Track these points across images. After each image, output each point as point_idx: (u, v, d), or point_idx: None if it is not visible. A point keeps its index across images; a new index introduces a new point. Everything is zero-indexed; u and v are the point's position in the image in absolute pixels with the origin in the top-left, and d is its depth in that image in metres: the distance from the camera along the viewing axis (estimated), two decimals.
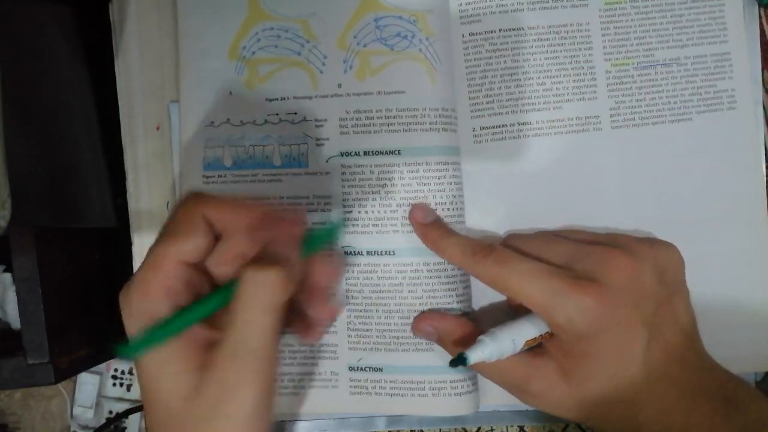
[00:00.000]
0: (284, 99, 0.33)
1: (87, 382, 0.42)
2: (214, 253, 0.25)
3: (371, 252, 0.32)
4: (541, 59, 0.33)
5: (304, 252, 0.27)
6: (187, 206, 0.25)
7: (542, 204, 0.33)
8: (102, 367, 0.42)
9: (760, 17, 0.36)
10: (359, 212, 0.32)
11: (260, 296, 0.23)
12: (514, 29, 0.33)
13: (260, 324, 0.24)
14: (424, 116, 0.32)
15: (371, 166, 0.32)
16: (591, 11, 0.34)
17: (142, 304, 0.24)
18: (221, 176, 0.33)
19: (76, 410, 0.42)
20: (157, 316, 0.24)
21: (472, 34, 0.33)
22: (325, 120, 0.32)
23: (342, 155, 0.32)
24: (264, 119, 0.33)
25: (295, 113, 0.33)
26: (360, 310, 0.32)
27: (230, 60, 0.33)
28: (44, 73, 0.31)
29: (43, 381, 0.30)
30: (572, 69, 0.33)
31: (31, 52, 0.30)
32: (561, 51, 0.33)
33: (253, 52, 0.33)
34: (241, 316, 0.23)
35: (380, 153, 0.32)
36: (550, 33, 0.33)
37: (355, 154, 0.32)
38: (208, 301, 0.25)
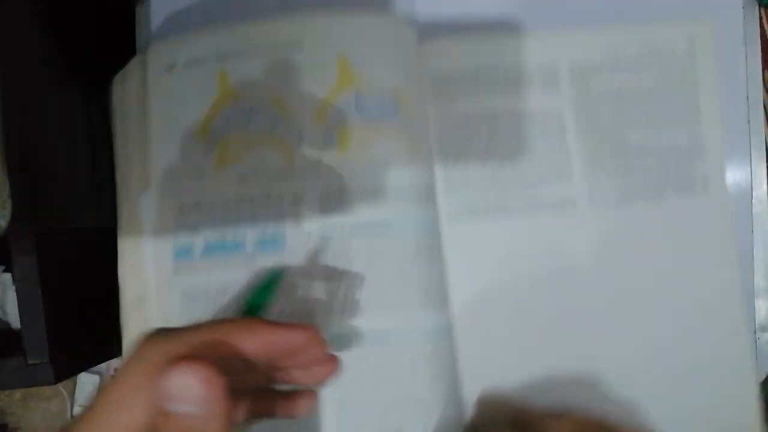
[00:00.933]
0: (257, 178, 0.31)
1: (87, 382, 0.42)
2: None
3: (362, 335, 0.30)
4: (514, 147, 0.33)
5: (248, 309, 0.26)
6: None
7: (517, 282, 0.33)
8: (102, 367, 0.42)
9: (760, 17, 0.36)
10: (345, 295, 0.30)
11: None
12: (486, 113, 0.33)
13: None
14: (407, 191, 0.31)
15: (357, 242, 0.30)
16: (564, 98, 0.33)
17: None
18: (192, 266, 0.31)
19: (76, 410, 0.42)
20: None
21: (445, 115, 0.33)
22: (303, 196, 0.30)
23: (323, 232, 0.30)
24: (236, 201, 0.31)
25: (269, 194, 0.31)
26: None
27: (200, 141, 0.31)
28: (45, 75, 0.31)
29: (43, 381, 0.30)
30: (547, 154, 0.33)
31: (30, 55, 0.30)
32: (535, 138, 0.33)
33: (224, 133, 0.31)
34: None
35: (366, 228, 0.30)
36: (522, 121, 0.33)
37: (339, 233, 0.30)
38: None
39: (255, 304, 0.27)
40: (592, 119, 0.34)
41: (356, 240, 0.30)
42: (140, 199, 0.32)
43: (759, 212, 0.36)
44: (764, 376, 0.35)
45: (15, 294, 0.30)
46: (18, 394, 0.42)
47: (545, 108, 0.33)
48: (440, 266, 0.32)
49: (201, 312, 0.31)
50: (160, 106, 0.32)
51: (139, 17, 0.35)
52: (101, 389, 0.21)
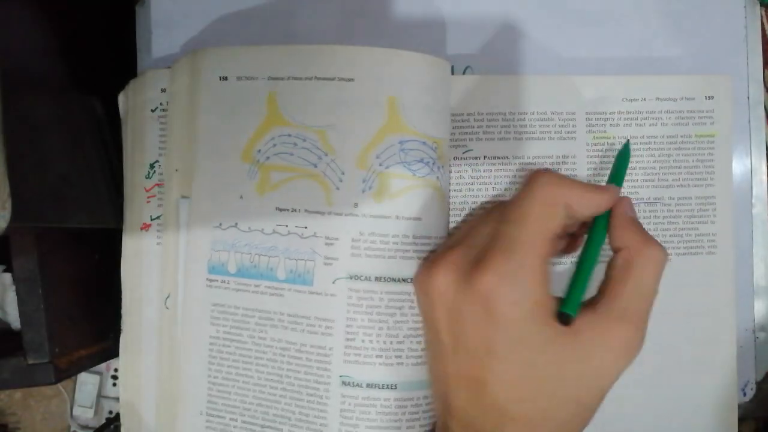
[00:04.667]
0: (295, 210, 0.31)
1: (87, 382, 0.42)
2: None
3: (371, 385, 0.30)
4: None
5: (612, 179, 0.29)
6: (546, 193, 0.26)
7: None
8: (102, 367, 0.42)
9: (761, 17, 0.36)
10: (363, 341, 0.30)
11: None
12: (498, 157, 0.33)
13: None
14: (437, 245, 0.31)
15: (381, 293, 0.30)
16: (579, 144, 0.33)
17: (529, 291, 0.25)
18: (225, 282, 0.32)
19: (76, 410, 0.42)
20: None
21: (456, 158, 0.33)
22: (337, 239, 0.30)
23: (351, 278, 0.30)
24: (272, 229, 0.31)
25: (305, 227, 0.31)
26: None
27: (243, 162, 0.31)
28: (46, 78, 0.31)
29: (43, 381, 0.30)
30: None
31: (30, 55, 0.30)
32: None
33: (267, 158, 0.31)
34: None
35: (392, 280, 0.30)
36: (535, 164, 0.33)
37: (366, 278, 0.30)
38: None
39: (617, 182, 0.29)
40: (604, 169, 0.33)
41: (384, 287, 0.30)
42: (180, 205, 0.32)
43: (759, 212, 0.36)
44: (763, 376, 0.35)
45: (15, 294, 0.30)
46: (18, 394, 0.42)
47: (558, 153, 0.33)
48: None
49: (229, 326, 0.32)
50: (210, 117, 0.32)
51: (139, 17, 0.35)
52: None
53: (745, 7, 0.35)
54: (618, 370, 0.25)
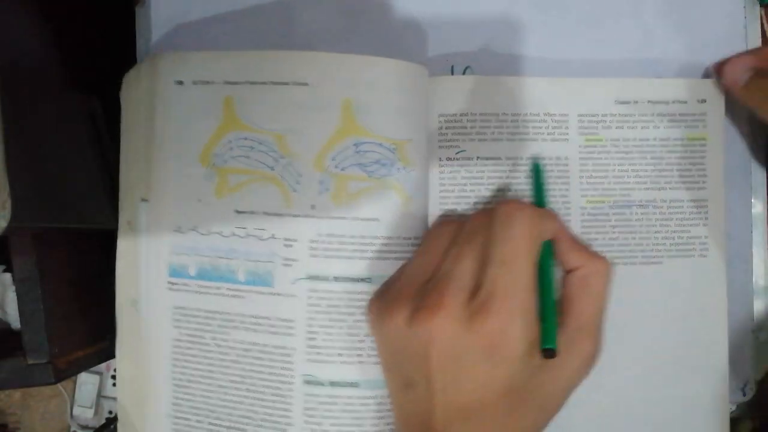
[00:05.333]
0: (253, 213, 0.31)
1: (87, 382, 0.42)
2: None
3: (334, 383, 0.31)
4: (515, 190, 0.33)
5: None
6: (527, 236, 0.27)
7: None
8: (102, 367, 0.43)
9: (760, 17, 0.36)
10: (324, 340, 0.31)
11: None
12: (491, 158, 0.33)
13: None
14: (397, 245, 0.31)
15: (340, 292, 0.31)
16: (571, 146, 0.33)
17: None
18: (186, 285, 0.32)
19: (76, 410, 0.42)
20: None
21: (449, 158, 0.33)
22: (295, 240, 0.31)
23: (310, 279, 0.31)
24: (231, 231, 0.31)
25: (264, 229, 0.31)
26: None
27: (201, 166, 0.32)
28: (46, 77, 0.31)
29: (43, 381, 0.30)
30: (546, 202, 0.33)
31: (30, 55, 0.30)
32: None
33: (225, 161, 0.31)
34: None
35: (351, 279, 0.31)
36: (528, 165, 0.33)
37: (324, 278, 0.31)
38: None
39: (542, 203, 0.31)
40: (597, 171, 0.34)
41: (343, 286, 0.31)
42: (139, 209, 0.32)
43: (758, 212, 0.36)
44: (762, 375, 0.36)
45: (15, 294, 0.30)
46: (18, 394, 0.42)
47: (551, 154, 0.33)
48: None
49: (192, 328, 0.32)
50: (166, 121, 0.32)
51: (139, 18, 0.35)
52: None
53: (744, 7, 0.35)
54: (581, 379, 0.27)
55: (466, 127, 0.33)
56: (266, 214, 0.31)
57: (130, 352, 0.33)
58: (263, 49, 0.32)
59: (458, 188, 0.33)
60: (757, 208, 0.36)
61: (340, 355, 0.31)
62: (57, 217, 0.30)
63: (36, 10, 0.31)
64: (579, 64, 0.35)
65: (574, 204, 0.33)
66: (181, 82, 0.32)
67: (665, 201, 0.34)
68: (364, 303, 0.30)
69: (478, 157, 0.33)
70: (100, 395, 0.42)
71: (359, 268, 0.31)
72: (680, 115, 0.34)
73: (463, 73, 0.35)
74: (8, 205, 0.24)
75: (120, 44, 0.36)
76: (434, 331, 0.26)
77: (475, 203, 0.33)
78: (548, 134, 0.33)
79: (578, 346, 0.27)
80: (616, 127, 0.34)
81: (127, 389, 0.33)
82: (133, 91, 0.33)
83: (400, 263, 0.31)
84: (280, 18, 0.35)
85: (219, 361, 0.32)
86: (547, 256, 0.28)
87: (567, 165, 0.33)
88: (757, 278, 0.36)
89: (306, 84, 0.31)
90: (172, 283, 0.32)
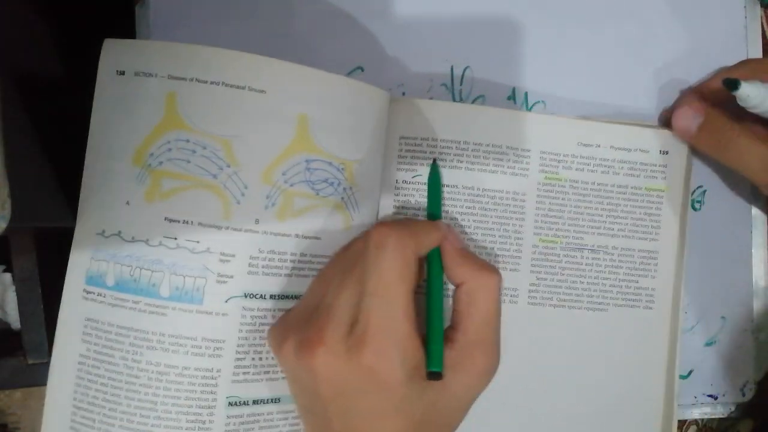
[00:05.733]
0: (187, 222, 0.28)
1: None
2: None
3: (257, 401, 0.29)
4: (469, 221, 0.33)
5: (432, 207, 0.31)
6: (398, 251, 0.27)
7: None
8: None
9: (760, 18, 0.36)
10: (253, 359, 0.29)
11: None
12: (448, 185, 0.33)
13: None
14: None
15: (275, 311, 0.29)
16: (530, 182, 0.33)
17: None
18: (101, 295, 0.29)
19: None
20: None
21: (405, 182, 0.33)
22: (233, 255, 0.29)
23: (246, 296, 0.29)
24: (159, 241, 0.28)
25: (198, 241, 0.28)
26: None
27: (134, 165, 0.29)
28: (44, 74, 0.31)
29: (43, 381, 0.30)
30: (499, 236, 0.33)
31: (31, 55, 0.30)
32: (491, 216, 0.33)
33: (161, 162, 0.28)
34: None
35: (286, 298, 0.30)
36: (485, 196, 0.33)
37: (261, 297, 0.29)
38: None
39: (435, 214, 0.31)
40: (552, 210, 0.33)
41: (278, 304, 0.30)
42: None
43: (757, 213, 0.36)
44: (762, 375, 0.36)
45: (15, 294, 0.30)
46: (18, 394, 0.42)
47: (509, 188, 0.33)
48: None
49: (101, 345, 0.29)
50: (101, 113, 0.29)
51: (139, 17, 0.35)
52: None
53: (744, 7, 0.35)
54: (477, 393, 0.28)
55: (425, 152, 0.33)
56: (202, 225, 0.28)
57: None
58: (214, 46, 0.29)
59: (411, 212, 0.33)
60: (756, 209, 0.36)
61: (266, 372, 0.30)
62: (57, 217, 0.30)
63: (36, 10, 0.31)
64: (579, 64, 0.35)
65: (526, 241, 0.33)
66: (122, 72, 0.29)
67: (617, 248, 0.34)
68: None
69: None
70: None
71: (296, 285, 0.30)
72: (641, 164, 0.34)
73: (463, 73, 0.35)
74: (8, 205, 0.24)
75: None
76: (317, 366, 0.26)
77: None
78: (508, 167, 0.33)
79: (469, 362, 0.27)
80: (576, 169, 0.33)
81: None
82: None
83: None
84: (279, 18, 0.35)
85: (126, 384, 0.28)
86: (435, 275, 0.29)
87: (524, 201, 0.33)
88: (757, 278, 0.36)
89: (264, 92, 0.29)
90: (88, 292, 0.29)
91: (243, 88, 0.29)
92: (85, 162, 0.29)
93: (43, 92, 0.31)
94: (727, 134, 0.31)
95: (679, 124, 0.33)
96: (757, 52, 0.36)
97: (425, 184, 0.33)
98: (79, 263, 0.29)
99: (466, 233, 0.33)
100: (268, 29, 0.35)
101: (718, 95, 0.32)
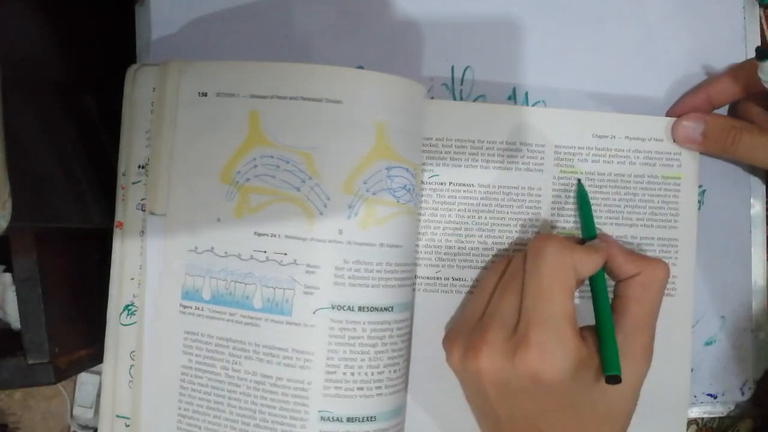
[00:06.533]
0: (274, 236, 0.29)
1: (87, 382, 0.42)
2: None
3: (351, 419, 0.29)
4: (486, 218, 0.33)
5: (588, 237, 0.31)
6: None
7: None
8: (102, 367, 0.42)
9: (759, 18, 0.36)
10: (344, 374, 0.29)
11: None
12: (464, 184, 0.33)
13: None
14: (411, 272, 0.31)
15: (364, 323, 0.29)
16: (545, 177, 0.33)
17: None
18: (198, 308, 0.30)
19: (76, 410, 0.42)
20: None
21: (422, 182, 0.33)
22: (318, 266, 0.29)
23: (333, 308, 0.29)
24: (250, 254, 0.29)
25: (285, 253, 0.29)
26: None
27: (222, 183, 0.30)
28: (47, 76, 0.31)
29: (43, 381, 0.30)
30: (516, 232, 0.33)
31: (31, 55, 0.30)
32: (508, 213, 0.33)
33: (247, 179, 0.30)
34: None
35: (375, 309, 0.29)
36: (500, 193, 0.33)
37: (348, 308, 0.29)
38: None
39: (592, 234, 0.31)
40: (569, 203, 0.34)
41: (367, 316, 0.29)
42: (149, 223, 0.31)
43: (757, 212, 0.36)
44: (761, 375, 0.36)
45: (15, 294, 0.30)
46: (18, 394, 0.42)
47: (524, 184, 0.33)
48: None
49: (202, 356, 0.30)
50: (186, 133, 0.30)
51: (138, 17, 0.35)
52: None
53: (744, 7, 0.36)
54: (644, 376, 0.29)
55: (441, 152, 0.33)
56: (288, 237, 0.29)
57: (113, 360, 0.32)
58: (291, 61, 0.30)
59: (429, 212, 0.33)
60: (756, 208, 0.36)
61: (360, 389, 0.29)
62: (57, 218, 0.30)
63: (36, 10, 0.31)
64: (579, 64, 0.35)
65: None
66: (204, 94, 0.30)
67: (636, 238, 0.34)
68: (386, 333, 0.30)
69: (451, 183, 0.33)
70: (100, 395, 0.42)
71: (384, 296, 0.29)
72: (656, 152, 0.34)
73: (463, 73, 0.35)
74: (8, 205, 0.24)
75: (120, 44, 0.35)
76: (482, 367, 0.27)
77: (444, 229, 0.33)
78: (523, 164, 0.33)
79: (635, 346, 0.28)
80: (592, 161, 0.34)
81: (108, 400, 0.32)
82: (139, 91, 0.32)
83: (413, 290, 0.31)
84: (279, 18, 0.35)
85: (228, 392, 0.30)
86: (600, 285, 0.29)
87: (540, 196, 0.33)
88: (756, 278, 0.36)
89: (340, 102, 0.29)
90: (185, 307, 0.30)
91: (320, 100, 0.29)
92: (172, 180, 0.31)
93: (45, 92, 0.31)
94: (732, 133, 0.32)
95: (681, 137, 0.33)
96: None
97: (442, 184, 0.33)
98: (173, 280, 0.30)
99: (482, 230, 0.33)
100: (269, 29, 0.35)
101: (714, 100, 0.33)
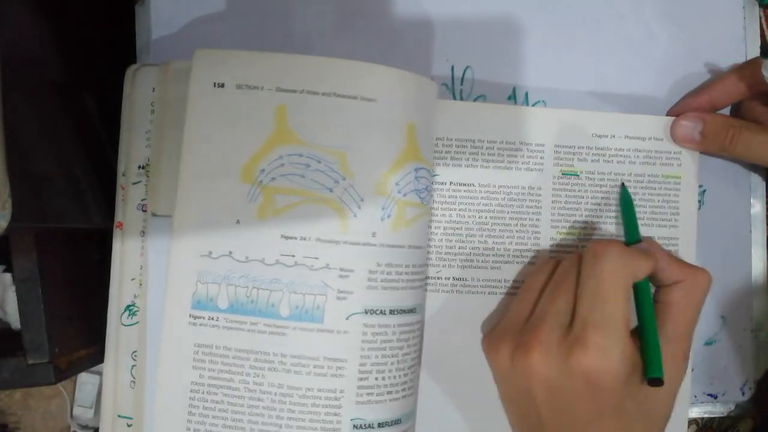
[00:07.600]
0: (304, 239, 0.28)
1: (87, 382, 0.42)
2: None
3: (382, 424, 0.28)
4: (486, 217, 0.33)
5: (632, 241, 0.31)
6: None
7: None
8: (102, 367, 0.42)
9: (759, 18, 0.36)
10: (376, 379, 0.28)
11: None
12: (464, 184, 0.33)
13: None
14: (425, 272, 0.31)
15: (394, 326, 0.29)
16: (545, 176, 0.33)
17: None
18: (213, 319, 0.28)
19: (76, 410, 0.42)
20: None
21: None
22: (352, 270, 0.28)
23: (366, 313, 0.28)
24: (275, 259, 0.28)
25: (317, 258, 0.28)
26: None
27: (242, 182, 0.28)
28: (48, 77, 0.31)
29: (43, 381, 0.30)
30: (516, 231, 0.33)
31: (30, 55, 0.30)
32: (508, 212, 0.33)
33: (273, 178, 0.28)
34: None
35: (403, 312, 0.29)
36: (500, 193, 0.33)
37: (381, 312, 0.28)
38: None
39: (636, 238, 0.31)
40: (569, 203, 0.34)
41: (396, 319, 0.29)
42: (152, 222, 0.30)
43: (757, 212, 0.36)
44: (761, 375, 0.36)
45: (15, 294, 0.30)
46: (18, 394, 0.42)
47: (524, 183, 0.34)
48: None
49: (217, 370, 0.28)
50: (199, 129, 0.28)
51: (138, 16, 0.35)
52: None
53: (743, 7, 0.36)
54: (681, 382, 0.29)
55: (441, 152, 0.33)
56: (320, 240, 0.28)
57: (113, 360, 0.31)
58: (321, 55, 0.28)
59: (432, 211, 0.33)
60: (756, 208, 0.36)
61: (389, 393, 0.29)
62: (57, 217, 0.30)
63: (36, 10, 0.31)
64: (579, 64, 0.35)
65: (543, 235, 0.33)
66: (221, 85, 0.28)
67: None
68: (410, 335, 0.29)
69: (451, 182, 0.33)
70: (100, 395, 0.42)
71: (410, 298, 0.29)
72: (656, 152, 0.34)
73: (463, 73, 0.35)
74: (8, 205, 0.24)
75: (119, 43, 0.35)
76: (533, 366, 0.27)
77: (444, 228, 0.33)
78: (523, 163, 0.33)
79: (676, 351, 0.28)
80: (592, 161, 0.34)
81: (110, 400, 0.31)
82: (139, 91, 0.31)
83: (425, 291, 0.31)
84: (279, 17, 0.35)
85: (249, 408, 0.28)
86: (646, 289, 0.29)
87: (540, 195, 0.34)
88: (756, 278, 0.36)
89: (374, 100, 0.28)
90: (195, 317, 0.28)
91: (355, 97, 0.28)
92: (180, 180, 0.28)
93: (45, 92, 0.31)
94: (730, 132, 0.33)
95: (680, 136, 0.33)
96: (755, 53, 0.36)
97: (442, 184, 0.33)
98: (179, 289, 0.28)
99: (483, 230, 0.33)
100: (268, 29, 0.35)
101: (715, 102, 0.34)
